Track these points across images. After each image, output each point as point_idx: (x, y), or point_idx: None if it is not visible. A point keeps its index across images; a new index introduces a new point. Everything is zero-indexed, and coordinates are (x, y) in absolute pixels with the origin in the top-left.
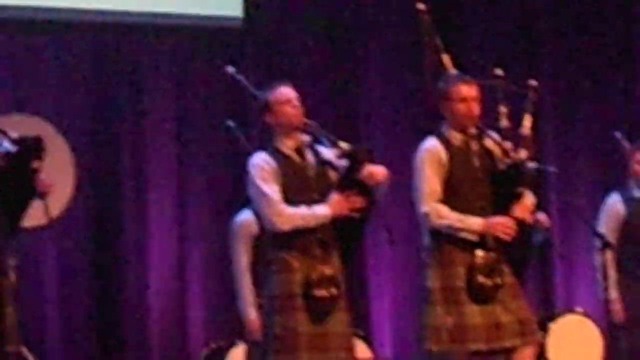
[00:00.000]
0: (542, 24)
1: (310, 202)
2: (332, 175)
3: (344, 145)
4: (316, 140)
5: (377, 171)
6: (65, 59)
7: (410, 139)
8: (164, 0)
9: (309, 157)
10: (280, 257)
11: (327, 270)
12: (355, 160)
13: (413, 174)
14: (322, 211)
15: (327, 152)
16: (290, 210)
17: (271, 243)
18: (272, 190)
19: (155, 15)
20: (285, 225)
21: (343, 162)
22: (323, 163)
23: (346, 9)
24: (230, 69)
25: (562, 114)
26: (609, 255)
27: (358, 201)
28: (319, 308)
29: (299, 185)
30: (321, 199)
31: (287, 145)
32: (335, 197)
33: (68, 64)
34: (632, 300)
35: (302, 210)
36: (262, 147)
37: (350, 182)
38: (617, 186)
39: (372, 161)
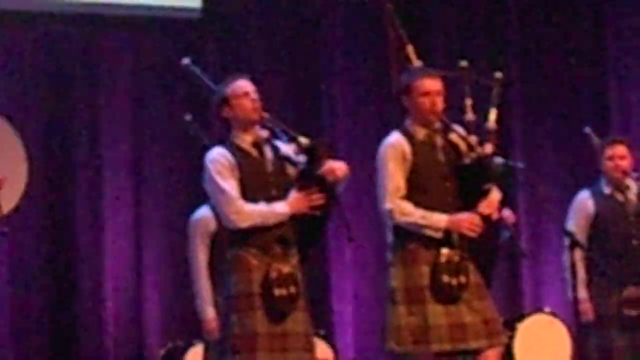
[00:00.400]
0: (510, 15)
1: (268, 198)
2: (291, 171)
3: (302, 140)
4: (275, 135)
5: (337, 167)
6: (17, 50)
7: (374, 133)
8: None
9: (267, 152)
10: (239, 255)
11: (287, 269)
12: (315, 155)
13: (376, 170)
14: (281, 209)
15: (286, 148)
16: (248, 207)
17: (229, 240)
18: (230, 186)
19: (112, 5)
20: (243, 223)
21: (301, 158)
22: (281, 158)
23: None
24: (186, 61)
25: (530, 108)
26: (578, 253)
27: (318, 198)
28: (278, 307)
29: (257, 181)
30: (280, 194)
31: (244, 140)
32: (295, 194)
33: (20, 56)
34: (601, 299)
35: (261, 207)
36: (220, 142)
37: (309, 177)
38: (586, 183)
39: (333, 156)
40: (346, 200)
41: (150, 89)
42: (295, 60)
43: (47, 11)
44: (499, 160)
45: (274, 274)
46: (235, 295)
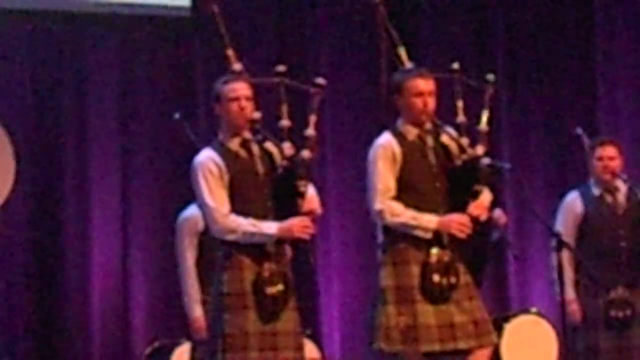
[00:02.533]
0: (500, 17)
1: (260, 198)
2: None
3: (287, 148)
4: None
5: (312, 203)
6: (3, 48)
7: (366, 134)
8: None
9: (256, 151)
10: (231, 253)
11: (279, 268)
12: (292, 172)
13: (366, 170)
14: (269, 230)
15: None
16: (234, 223)
17: (221, 240)
18: (217, 197)
19: (100, 3)
20: (227, 237)
21: (284, 163)
22: (270, 156)
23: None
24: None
25: (519, 110)
26: (566, 254)
27: (310, 228)
28: (270, 306)
29: (248, 182)
30: (271, 194)
31: (233, 141)
32: (291, 221)
33: (6, 54)
34: (588, 300)
35: (248, 225)
36: (210, 141)
37: (284, 188)
38: (574, 184)
39: (310, 177)
40: (335, 199)
41: (139, 87)
42: (283, 60)
43: (34, 9)
44: (485, 160)
45: (266, 273)
46: (227, 294)
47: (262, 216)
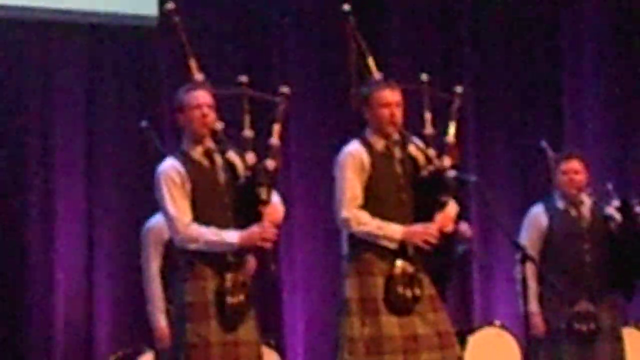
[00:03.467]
0: (468, 29)
1: (222, 207)
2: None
3: (249, 158)
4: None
5: (274, 211)
6: None
7: (332, 144)
8: None
9: (218, 160)
10: (193, 263)
11: (240, 277)
12: (253, 180)
13: (334, 179)
14: (230, 239)
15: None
16: (196, 231)
17: (183, 249)
18: (179, 206)
19: (67, 12)
20: (188, 246)
21: (247, 173)
22: (232, 166)
23: (265, 7)
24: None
25: (485, 122)
26: (530, 267)
27: (272, 234)
28: (232, 316)
29: (210, 191)
30: (232, 203)
31: (196, 150)
32: (253, 229)
33: None
34: (552, 313)
35: (209, 235)
36: (173, 151)
37: (246, 196)
38: (538, 197)
39: (274, 184)
40: (300, 209)
41: (105, 96)
42: (250, 69)
43: (1, 17)
44: (453, 173)
45: (228, 283)
46: (190, 303)
47: (224, 225)
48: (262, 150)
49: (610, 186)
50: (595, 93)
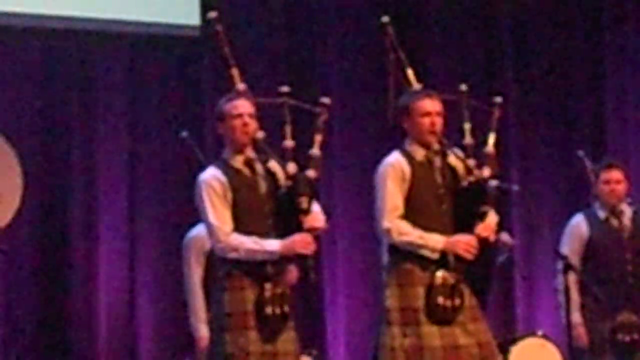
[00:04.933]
0: (509, 39)
1: (262, 216)
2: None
3: (290, 168)
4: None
5: (315, 220)
6: (13, 66)
7: (373, 154)
8: (119, 7)
9: (260, 169)
10: (232, 274)
11: (279, 288)
12: (294, 189)
13: (375, 190)
14: (272, 247)
15: (277, 168)
16: (236, 240)
17: (222, 259)
18: (220, 215)
19: (109, 22)
20: (229, 255)
21: (288, 183)
22: (273, 175)
23: (306, 20)
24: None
25: (526, 132)
26: (572, 277)
27: (312, 244)
28: (271, 326)
29: (251, 200)
30: (273, 212)
31: (236, 159)
32: (294, 238)
33: (16, 71)
34: (595, 324)
35: (250, 243)
36: (214, 160)
37: (287, 206)
38: (580, 206)
39: (314, 194)
40: (342, 219)
41: (147, 106)
42: (292, 81)
43: (44, 27)
44: (494, 182)
45: (267, 293)
46: (229, 314)
47: (264, 235)
48: (303, 160)
49: None
50: (638, 103)
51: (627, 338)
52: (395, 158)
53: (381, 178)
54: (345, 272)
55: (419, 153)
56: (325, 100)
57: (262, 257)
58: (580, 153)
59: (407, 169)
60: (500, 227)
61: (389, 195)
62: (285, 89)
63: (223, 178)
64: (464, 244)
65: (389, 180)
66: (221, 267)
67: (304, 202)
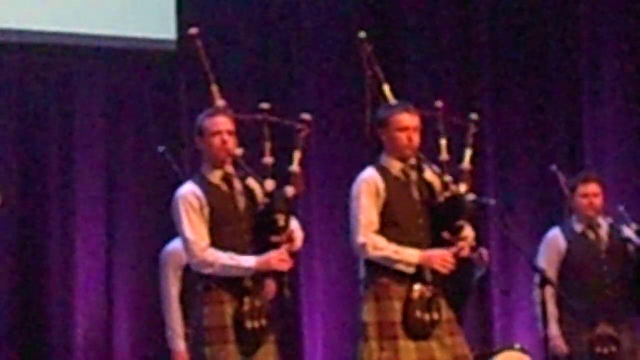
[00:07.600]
0: (485, 55)
1: (240, 232)
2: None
3: (268, 185)
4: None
5: (291, 237)
6: None
7: (350, 169)
8: (95, 22)
9: (237, 185)
10: (210, 288)
11: (257, 302)
12: (271, 206)
13: (350, 205)
14: (247, 263)
15: (255, 185)
16: (212, 256)
17: (199, 274)
18: (197, 230)
19: (85, 36)
20: (205, 270)
21: (266, 200)
22: (251, 192)
23: (282, 34)
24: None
25: (502, 147)
26: (549, 290)
27: (288, 261)
28: (250, 340)
29: (228, 216)
30: (251, 228)
31: (214, 174)
32: (270, 254)
33: None
34: (573, 337)
35: (226, 259)
36: (191, 175)
37: (264, 223)
38: (557, 220)
39: (291, 210)
40: (319, 234)
41: (124, 121)
42: (269, 97)
43: (21, 42)
44: (470, 196)
45: (246, 307)
46: (208, 328)
47: (241, 251)
48: (283, 177)
49: (622, 208)
50: (615, 120)
51: (605, 350)
52: (369, 174)
53: (356, 194)
54: (323, 287)
55: (395, 167)
56: (306, 116)
57: (238, 273)
58: (553, 167)
59: (381, 184)
60: (477, 241)
61: (364, 211)
62: (265, 105)
63: (200, 193)
64: (439, 258)
65: (363, 195)
66: (199, 281)
67: (280, 219)
